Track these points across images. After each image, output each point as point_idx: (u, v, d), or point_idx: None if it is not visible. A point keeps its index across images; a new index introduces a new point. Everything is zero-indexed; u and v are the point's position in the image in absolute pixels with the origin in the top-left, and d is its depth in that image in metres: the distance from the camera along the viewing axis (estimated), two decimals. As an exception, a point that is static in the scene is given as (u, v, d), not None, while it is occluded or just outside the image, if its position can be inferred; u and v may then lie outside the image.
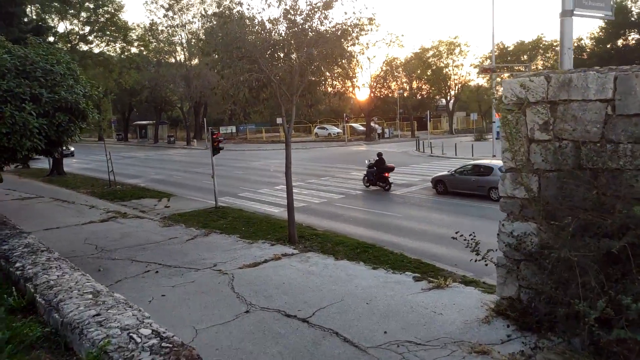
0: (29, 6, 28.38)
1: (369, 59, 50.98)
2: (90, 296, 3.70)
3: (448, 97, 67.48)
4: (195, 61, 54.88)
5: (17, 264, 4.79)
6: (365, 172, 22.91)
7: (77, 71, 9.52)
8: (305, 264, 10.69)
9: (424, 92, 66.82)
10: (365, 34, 13.71)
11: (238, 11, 13.87)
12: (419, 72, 62.83)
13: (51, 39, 29.68)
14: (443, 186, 20.48)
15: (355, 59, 13.93)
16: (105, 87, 31.61)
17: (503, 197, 5.95)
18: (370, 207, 18.22)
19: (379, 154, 22.55)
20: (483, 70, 40.52)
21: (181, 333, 7.04)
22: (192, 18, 54.77)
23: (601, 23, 50.23)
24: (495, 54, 35.69)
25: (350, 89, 14.99)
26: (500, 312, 6.77)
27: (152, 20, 55.43)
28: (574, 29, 9.04)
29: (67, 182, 26.76)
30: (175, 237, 13.37)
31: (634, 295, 4.25)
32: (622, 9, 45.68)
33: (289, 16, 12.66)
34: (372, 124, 60.78)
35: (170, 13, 54.48)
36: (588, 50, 51.70)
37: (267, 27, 12.93)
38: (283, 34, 12.98)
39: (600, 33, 51.31)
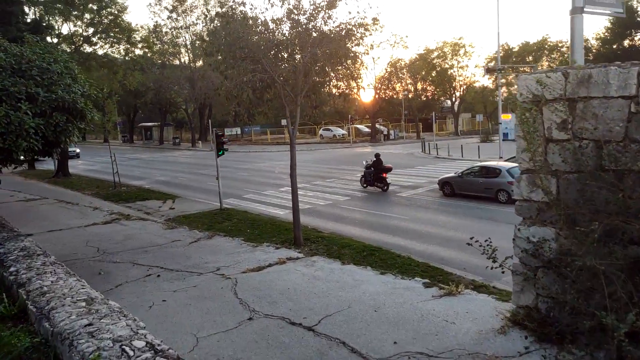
0: (32, 7, 28.33)
1: (373, 59, 50.82)
2: (83, 304, 3.48)
3: (453, 99, 67.16)
4: (199, 63, 54.81)
5: (12, 269, 4.59)
6: (362, 173, 22.92)
7: (75, 70, 9.29)
8: (311, 268, 10.40)
9: (428, 94, 66.54)
10: (370, 35, 13.53)
11: (241, 11, 13.73)
12: (423, 73, 62.57)
13: (55, 40, 29.70)
14: (450, 188, 20.24)
15: (360, 60, 13.76)
16: (110, 89, 31.46)
17: (519, 200, 5.59)
18: (376, 209, 17.99)
19: (377, 155, 22.58)
20: (488, 71, 40.30)
21: (181, 341, 6.82)
22: (196, 20, 54.80)
23: (607, 23, 49.83)
24: (500, 54, 35.37)
25: (355, 90, 14.76)
26: (516, 321, 6.42)
27: (156, 22, 55.44)
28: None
29: (72, 184, 26.74)
30: (179, 240, 13.14)
31: None
32: (629, 9, 45.28)
33: (292, 16, 12.50)
34: (377, 125, 60.54)
35: (174, 15, 54.48)
36: (594, 50, 51.25)
37: (271, 27, 12.76)
38: (287, 34, 12.79)
39: (606, 33, 50.88)
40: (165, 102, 59.87)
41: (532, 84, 5.19)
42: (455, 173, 20.93)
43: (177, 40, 56.30)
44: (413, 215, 16.83)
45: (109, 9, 30.49)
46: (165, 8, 54.27)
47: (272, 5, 12.59)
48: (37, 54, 8.43)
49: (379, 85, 57.82)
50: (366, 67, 14.07)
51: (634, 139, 4.66)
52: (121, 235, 13.76)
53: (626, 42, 49.39)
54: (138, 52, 37.51)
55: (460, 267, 11.40)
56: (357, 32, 12.88)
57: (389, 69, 58.49)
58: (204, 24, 53.52)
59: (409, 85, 63.89)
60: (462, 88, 65.98)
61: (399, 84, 61.98)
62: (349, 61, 13.44)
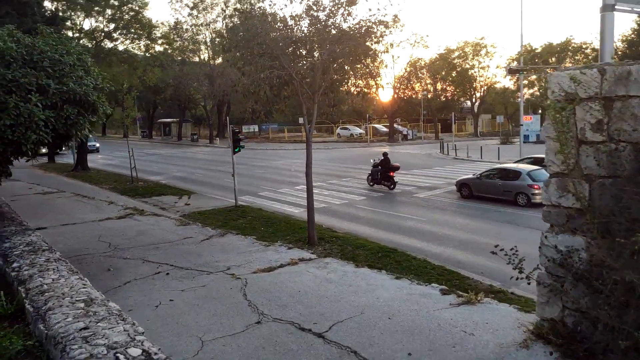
0: (54, 2, 28.61)
1: (392, 57, 50.25)
2: (82, 305, 3.31)
3: (473, 99, 66.23)
4: (219, 60, 55.01)
5: (15, 264, 4.46)
6: (370, 172, 22.99)
7: (88, 62, 9.16)
8: (323, 270, 10.07)
9: (448, 94, 65.72)
10: (390, 33, 13.26)
11: (260, 7, 13.62)
12: (443, 73, 61.84)
13: (76, 35, 30.00)
14: (468, 190, 19.86)
15: (379, 58, 13.50)
16: (130, 85, 31.73)
17: (547, 206, 5.16)
18: (392, 210, 17.69)
19: (385, 154, 22.76)
20: (510, 71, 39.56)
21: (185, 344, 6.60)
22: (217, 17, 54.98)
23: (633, 25, 48.46)
24: (523, 55, 34.64)
25: (374, 89, 14.52)
26: (540, 335, 6.00)
27: (177, 19, 55.74)
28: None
29: (91, 178, 26.98)
30: (190, 237, 12.97)
31: None
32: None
33: (311, 12, 12.32)
34: (395, 125, 60.07)
35: (194, 12, 54.77)
36: (619, 52, 49.92)
37: (289, 24, 12.60)
38: (305, 31, 12.61)
39: (633, 35, 49.53)
40: (184, 98, 60.30)
41: (565, 81, 4.79)
42: (473, 175, 20.51)
43: (197, 37, 56.62)
44: (430, 217, 16.50)
45: (130, 5, 30.73)
46: (186, 5, 54.61)
47: (291, 2, 12.43)
48: (50, 45, 8.33)
49: (398, 85, 57.36)
50: (386, 66, 13.83)
51: (678, 143, 4.25)
52: (134, 231, 13.68)
53: (654, 44, 48.02)
54: (158, 48, 37.81)
55: (478, 271, 11.11)
56: (377, 30, 12.63)
57: (408, 69, 58.02)
58: (223, 21, 53.65)
59: (429, 85, 63.27)
60: (482, 89, 65.02)
61: (418, 84, 61.44)
62: (368, 59, 13.22)
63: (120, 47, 32.19)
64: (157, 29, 35.94)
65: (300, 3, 12.33)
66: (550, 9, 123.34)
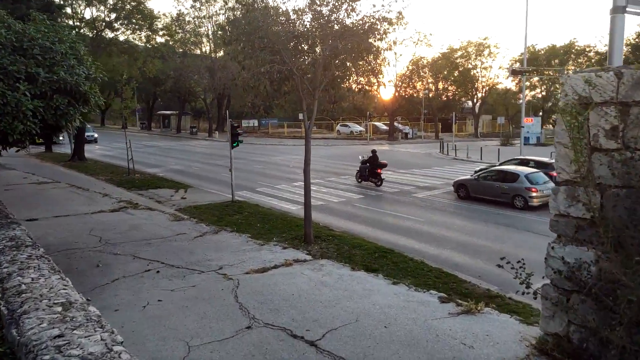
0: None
1: (395, 54, 49.85)
2: (59, 309, 3.09)
3: (474, 100, 66.00)
4: (220, 53, 54.67)
5: (-6, 262, 4.25)
6: (358, 168, 23.18)
7: (81, 51, 8.82)
8: (318, 272, 9.80)
9: (449, 94, 65.50)
10: (393, 31, 13.05)
11: (262, 0, 13.38)
12: (445, 72, 61.61)
13: (75, 23, 29.67)
14: (465, 191, 19.75)
15: (382, 55, 13.28)
16: (129, 75, 31.42)
17: (555, 215, 4.88)
18: (390, 209, 17.51)
19: (373, 151, 22.95)
20: (513, 72, 39.29)
21: (171, 349, 6.35)
22: (219, 10, 54.61)
23: (637, 29, 48.20)
24: (526, 57, 34.41)
25: (376, 86, 14.30)
26: (544, 351, 5.70)
27: (180, 10, 55.40)
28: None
29: (87, 168, 26.76)
30: (184, 233, 12.72)
31: None
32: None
33: (314, 7, 12.09)
34: (395, 123, 59.84)
35: (197, 4, 54.41)
36: (623, 56, 49.71)
37: (292, 18, 12.37)
38: (308, 26, 12.38)
39: (637, 39, 49.31)
40: (184, 91, 59.97)
41: (580, 84, 4.50)
42: (471, 175, 20.35)
43: (199, 29, 56.29)
44: (428, 218, 16.33)
45: (131, -6, 30.41)
46: (189, -4, 54.19)
47: (294, -5, 12.22)
48: (42, 33, 8.01)
49: (400, 83, 57.09)
50: (388, 63, 13.57)
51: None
52: (126, 225, 13.42)
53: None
54: (159, 39, 37.49)
55: (475, 274, 10.96)
56: (381, 27, 12.41)
57: (410, 67, 57.73)
58: (225, 14, 53.26)
59: (430, 84, 63.03)
60: (484, 89, 64.81)
61: (419, 83, 61.18)
62: (370, 56, 13.00)
63: (121, 38, 31.93)
64: (159, 20, 35.60)
65: (304, -3, 12.12)
66: (554, 12, 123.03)
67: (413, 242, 13.35)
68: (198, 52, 58.37)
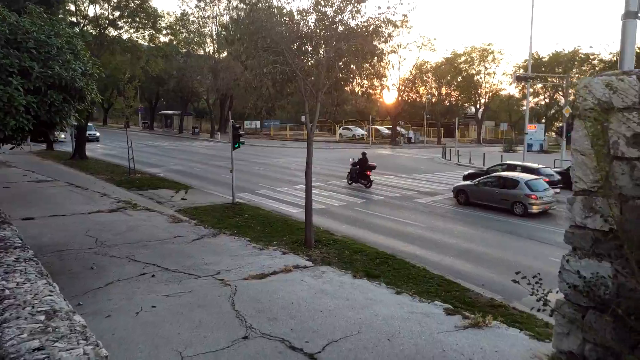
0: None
1: (399, 57, 49.66)
2: (42, 317, 2.90)
3: (478, 105, 65.88)
4: (224, 54, 54.58)
5: (-21, 264, 4.06)
6: (349, 170, 23.65)
7: (77, 46, 8.57)
8: (319, 280, 9.52)
9: (452, 99, 65.38)
10: (398, 35, 12.90)
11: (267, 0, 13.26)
12: (449, 77, 61.51)
13: (78, 20, 29.54)
14: (465, 196, 19.67)
15: (386, 58, 13.14)
16: (132, 74, 31.24)
17: (571, 227, 4.58)
18: (392, 214, 17.33)
19: (363, 153, 23.40)
20: (518, 78, 39.16)
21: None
22: (223, 10, 54.55)
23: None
24: (530, 63, 34.30)
25: (379, 90, 14.15)
26: None
27: (184, 10, 55.39)
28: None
29: (88, 167, 26.63)
30: (181, 236, 12.49)
31: None
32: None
33: (319, 7, 11.96)
34: (398, 128, 59.72)
35: (202, 4, 54.39)
36: (634, 62, 49.42)
37: (296, 18, 12.24)
38: (312, 27, 12.25)
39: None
40: (187, 91, 59.90)
41: (599, 88, 4.23)
42: (471, 181, 20.21)
43: (203, 29, 56.21)
44: (430, 223, 16.16)
45: (136, -7, 30.27)
46: (194, -4, 54.15)
47: (298, -4, 12.07)
48: (37, 26, 7.78)
49: (403, 87, 56.97)
50: (393, 66, 13.44)
51: None
52: (124, 226, 13.20)
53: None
54: (163, 39, 37.38)
55: (478, 282, 10.79)
56: (387, 30, 12.28)
57: (414, 72, 57.61)
58: (228, 13, 53.16)
59: (433, 89, 62.91)
60: (487, 95, 64.68)
61: (423, 87, 61.09)
62: (375, 58, 12.85)
63: (125, 36, 31.72)
64: (163, 19, 35.50)
65: (309, -2, 11.99)
66: (557, 20, 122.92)
67: (415, 248, 13.18)
68: (202, 52, 58.29)
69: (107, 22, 30.83)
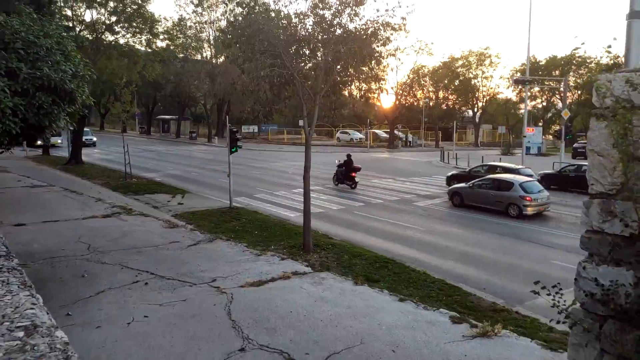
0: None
1: (399, 59, 49.60)
2: (21, 334, 2.68)
3: (475, 109, 65.96)
4: (221, 59, 54.54)
5: (-39, 274, 3.85)
6: (335, 172, 24.30)
7: (68, 47, 8.35)
8: (319, 287, 9.24)
9: (450, 103, 65.43)
10: (396, 39, 12.82)
11: (264, 2, 13.18)
12: (446, 81, 61.58)
13: (74, 25, 29.45)
14: (460, 198, 19.67)
15: (385, 61, 13.06)
16: (129, 79, 31.15)
17: (587, 231, 4.35)
18: (390, 218, 17.20)
19: (348, 155, 24.17)
20: (516, 82, 39.20)
21: (154, 377, 5.89)
22: (221, 16, 54.57)
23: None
24: (528, 66, 34.32)
25: (377, 93, 14.06)
26: None
27: (181, 15, 55.34)
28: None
29: (84, 172, 26.45)
30: (177, 242, 12.22)
31: None
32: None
33: (317, 10, 11.87)
34: (396, 131, 59.70)
35: (199, 9, 54.39)
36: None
37: (294, 21, 12.15)
38: (309, 29, 12.16)
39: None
40: (184, 95, 59.82)
41: (620, 85, 4.03)
42: (466, 183, 20.19)
43: (200, 35, 56.21)
44: (429, 227, 16.04)
45: (132, -2, 30.21)
46: (191, 2, 54.20)
47: (296, -2, 11.98)
48: (27, 26, 7.57)
49: (400, 91, 56.97)
50: (392, 69, 13.35)
51: None
52: (118, 232, 12.93)
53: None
54: (160, 44, 37.28)
55: (479, 286, 10.68)
56: (385, 33, 12.20)
57: (411, 76, 57.64)
58: (225, 16, 53.14)
59: (431, 93, 62.97)
60: (484, 99, 64.76)
61: (420, 91, 61.11)
62: (373, 62, 12.77)
63: (121, 41, 31.63)
64: (160, 24, 35.38)
65: (306, 0, 11.90)
66: (554, 24, 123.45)
67: (414, 252, 13.07)
68: (199, 57, 58.24)
69: (104, 27, 30.76)
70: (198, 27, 55.60)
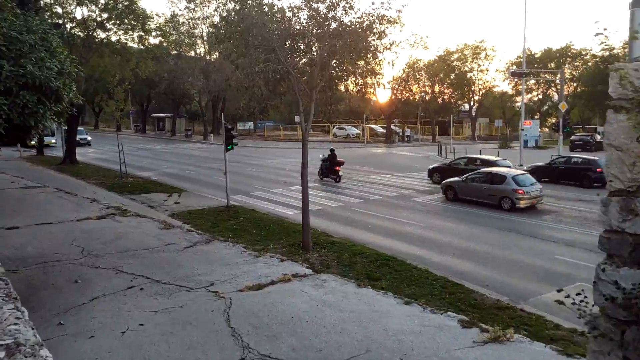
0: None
1: (395, 53, 49.31)
2: (2, 354, 2.48)
3: (471, 103, 65.75)
4: (215, 55, 54.06)
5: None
6: (320, 166, 24.85)
7: (53, 43, 8.00)
8: (320, 290, 8.90)
9: (446, 96, 65.18)
10: (391, 33, 12.57)
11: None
12: (442, 75, 61.30)
13: (65, 22, 29.01)
14: (453, 192, 19.65)
15: (381, 54, 12.82)
16: (122, 76, 30.71)
17: (606, 231, 4.07)
18: (389, 214, 17.00)
19: (332, 150, 24.86)
20: (513, 74, 38.98)
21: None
22: (214, 11, 54.02)
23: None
24: (525, 59, 34.08)
25: (374, 88, 13.82)
26: None
27: (174, 11, 54.77)
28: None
29: (79, 172, 26.12)
30: (173, 243, 11.88)
31: None
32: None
33: (311, 4, 11.62)
34: (392, 126, 59.44)
35: (191, 5, 53.85)
36: (621, 61, 49.45)
37: (288, 15, 11.88)
38: (304, 23, 11.90)
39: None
40: (178, 93, 59.33)
41: (634, 73, 3.78)
42: (459, 177, 20.06)
43: (193, 31, 55.65)
44: (428, 222, 15.85)
45: (124, -6, 29.74)
46: (184, -2, 53.60)
47: (290, -8, 11.72)
48: (9, 21, 7.22)
49: (396, 86, 56.68)
50: (388, 63, 13.10)
51: None
52: (112, 234, 12.59)
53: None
54: (153, 40, 36.84)
55: (482, 282, 10.51)
56: (381, 26, 11.95)
57: (407, 70, 57.32)
58: (217, 11, 52.62)
59: (427, 87, 62.69)
60: (480, 92, 64.55)
61: (416, 86, 60.83)
62: (369, 55, 12.53)
63: (113, 38, 31.16)
64: (152, 20, 34.86)
65: (300, -6, 11.63)
66: (548, 16, 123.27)
67: (415, 249, 12.90)
68: (192, 54, 57.73)
69: (95, 24, 30.28)
70: (191, 24, 55.04)
